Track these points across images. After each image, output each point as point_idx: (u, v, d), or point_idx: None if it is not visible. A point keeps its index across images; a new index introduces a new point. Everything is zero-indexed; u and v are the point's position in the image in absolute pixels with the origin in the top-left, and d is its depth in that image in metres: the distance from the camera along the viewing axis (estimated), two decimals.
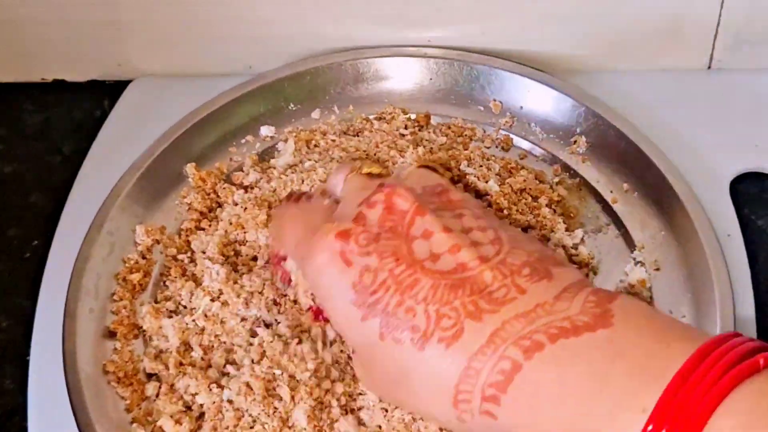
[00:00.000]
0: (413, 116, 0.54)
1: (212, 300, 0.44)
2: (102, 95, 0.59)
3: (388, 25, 0.55)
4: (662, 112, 0.53)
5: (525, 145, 0.53)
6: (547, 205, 0.48)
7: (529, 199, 0.48)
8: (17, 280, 0.50)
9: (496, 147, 0.52)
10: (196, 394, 0.41)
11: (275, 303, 0.43)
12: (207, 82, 0.55)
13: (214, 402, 0.40)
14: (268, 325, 0.43)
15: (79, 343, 0.43)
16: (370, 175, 0.41)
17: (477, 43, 0.55)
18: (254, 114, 0.54)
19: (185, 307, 0.44)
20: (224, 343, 0.43)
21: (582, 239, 0.47)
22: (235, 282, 0.44)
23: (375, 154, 0.50)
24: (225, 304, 0.43)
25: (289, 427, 0.39)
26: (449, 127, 0.53)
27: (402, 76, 0.55)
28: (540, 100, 0.53)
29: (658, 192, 0.48)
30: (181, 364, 0.42)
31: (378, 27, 0.55)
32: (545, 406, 0.30)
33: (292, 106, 0.55)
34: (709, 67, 0.56)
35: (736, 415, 0.26)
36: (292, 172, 0.50)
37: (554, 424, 0.30)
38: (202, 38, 0.57)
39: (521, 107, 0.53)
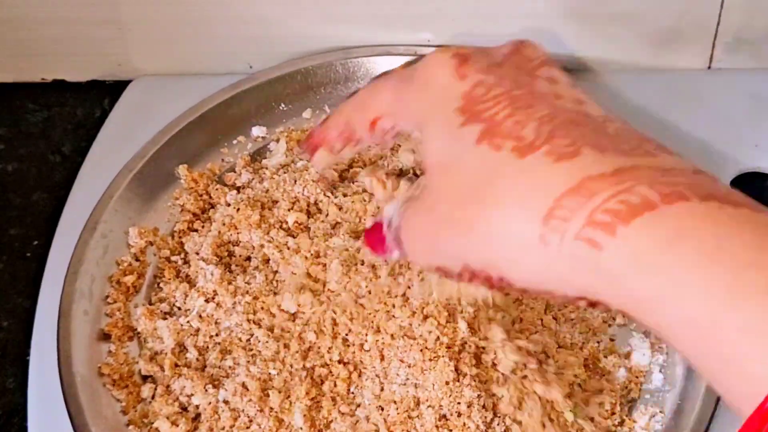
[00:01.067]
0: None
1: (206, 301, 0.44)
2: (102, 95, 0.59)
3: (389, 25, 0.55)
4: (662, 112, 0.53)
5: None
6: None
7: None
8: (17, 280, 0.50)
9: None
10: (192, 395, 0.41)
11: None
12: (207, 81, 0.55)
13: (210, 403, 0.40)
14: (262, 326, 0.43)
15: (74, 345, 0.43)
16: None
17: (477, 43, 0.55)
18: (245, 115, 0.54)
19: (180, 308, 0.45)
20: (219, 344, 0.43)
21: None
22: (230, 282, 0.44)
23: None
24: (219, 305, 0.43)
25: (286, 427, 0.39)
26: None
27: None
28: None
29: None
30: (176, 365, 0.42)
31: (379, 27, 0.55)
32: (690, 258, 0.24)
33: (283, 106, 0.55)
34: (709, 67, 0.56)
35: None
36: (284, 172, 0.50)
37: (698, 284, 0.24)
38: (202, 38, 0.57)
39: None
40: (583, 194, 0.26)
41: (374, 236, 0.34)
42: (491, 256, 0.29)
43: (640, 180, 0.26)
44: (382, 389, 0.40)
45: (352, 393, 0.40)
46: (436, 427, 0.39)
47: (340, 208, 0.47)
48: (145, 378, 0.43)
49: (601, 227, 0.25)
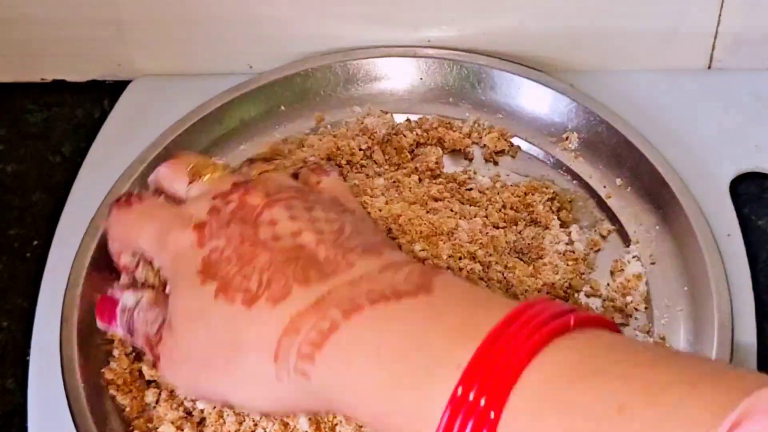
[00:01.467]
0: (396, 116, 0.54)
1: None
2: (102, 95, 0.59)
3: (390, 25, 0.55)
4: (662, 112, 0.53)
5: (517, 141, 0.53)
6: (540, 202, 0.48)
7: (523, 195, 0.48)
8: (17, 280, 0.50)
9: (488, 143, 0.52)
10: (196, 399, 0.41)
11: None
12: (207, 82, 0.55)
13: (214, 407, 0.40)
14: None
15: (77, 352, 0.43)
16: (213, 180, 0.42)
17: (477, 43, 0.55)
18: (246, 117, 0.54)
19: None
20: None
21: (577, 235, 0.47)
22: None
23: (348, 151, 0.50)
24: None
25: (291, 431, 0.39)
26: (420, 126, 0.53)
27: (392, 76, 0.55)
28: (531, 97, 0.53)
29: (652, 186, 0.48)
30: None
31: (379, 27, 0.55)
32: (360, 364, 0.31)
33: (283, 108, 0.54)
34: (709, 67, 0.56)
35: (545, 370, 0.27)
36: None
37: (369, 384, 0.30)
38: (202, 38, 0.57)
39: (512, 104, 0.53)
40: (293, 332, 0.32)
41: (106, 309, 0.40)
42: (244, 394, 0.35)
43: (332, 303, 0.32)
44: None
45: None
46: None
47: None
48: (149, 383, 0.43)
49: (305, 359, 0.32)
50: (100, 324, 0.41)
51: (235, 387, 0.35)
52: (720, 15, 0.53)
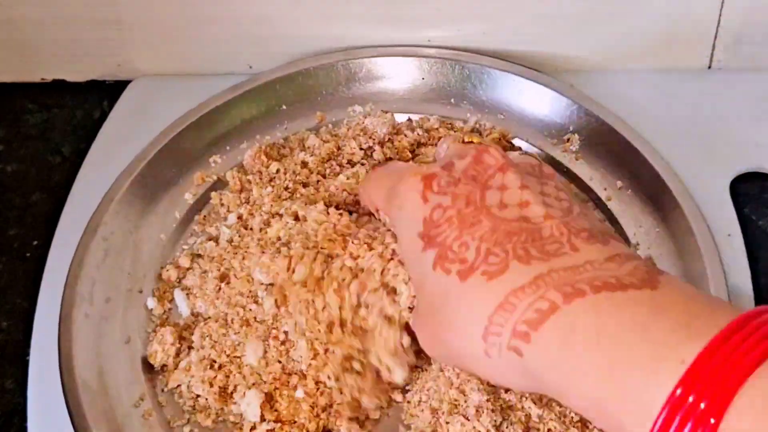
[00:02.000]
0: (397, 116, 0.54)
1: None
2: (102, 95, 0.59)
3: (390, 25, 0.55)
4: (663, 112, 0.53)
5: (517, 143, 0.53)
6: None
7: None
8: (17, 280, 0.50)
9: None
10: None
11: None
12: (207, 81, 0.55)
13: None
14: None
15: (75, 349, 0.43)
16: (471, 143, 0.43)
17: (477, 43, 0.55)
18: (246, 116, 0.54)
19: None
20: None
21: None
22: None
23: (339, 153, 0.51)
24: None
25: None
26: (421, 126, 0.53)
27: (394, 76, 0.55)
28: (532, 98, 0.53)
29: (652, 188, 0.48)
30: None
31: (379, 27, 0.55)
32: (578, 349, 0.30)
33: (285, 107, 0.55)
34: (709, 67, 0.56)
35: None
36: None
37: (585, 368, 0.30)
38: (202, 38, 0.57)
39: (513, 105, 0.53)
40: (508, 309, 0.32)
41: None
42: (458, 363, 0.37)
43: (551, 284, 0.32)
44: None
45: None
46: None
47: None
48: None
49: (520, 337, 0.31)
50: None
51: (450, 356, 0.36)
52: (720, 15, 0.53)
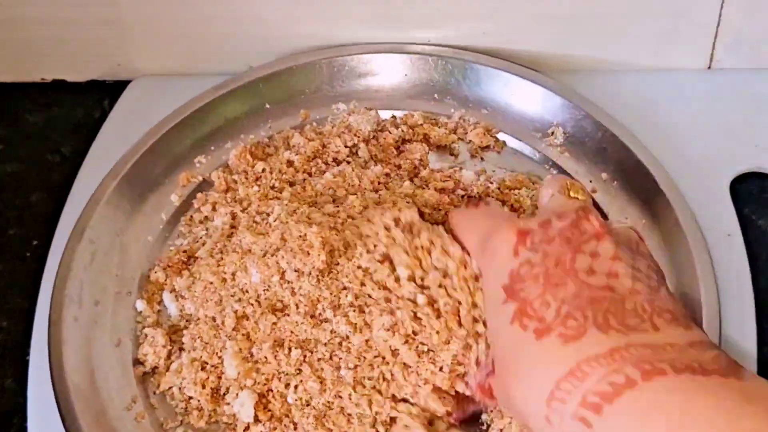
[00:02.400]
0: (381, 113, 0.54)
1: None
2: (102, 95, 0.59)
3: (389, 25, 0.55)
4: (663, 112, 0.53)
5: (502, 137, 0.53)
6: (527, 196, 0.48)
7: (508, 190, 0.49)
8: (17, 280, 0.50)
9: (474, 139, 0.52)
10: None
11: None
12: (207, 82, 0.55)
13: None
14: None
15: (66, 353, 0.43)
16: (576, 199, 0.42)
17: (476, 42, 0.55)
18: (232, 115, 0.54)
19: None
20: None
21: None
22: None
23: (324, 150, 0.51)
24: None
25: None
26: (406, 122, 0.53)
27: (377, 73, 0.55)
28: (516, 93, 0.53)
29: (637, 180, 0.48)
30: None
31: (380, 27, 0.55)
32: (659, 427, 0.29)
33: (269, 105, 0.54)
34: (709, 67, 0.56)
35: None
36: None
37: None
38: (202, 38, 0.57)
39: (497, 100, 0.53)
40: (578, 377, 0.31)
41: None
42: (522, 421, 0.36)
43: (629, 359, 0.31)
44: None
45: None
46: None
47: None
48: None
49: (591, 408, 0.30)
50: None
51: (516, 413, 0.36)
52: (720, 15, 0.53)
